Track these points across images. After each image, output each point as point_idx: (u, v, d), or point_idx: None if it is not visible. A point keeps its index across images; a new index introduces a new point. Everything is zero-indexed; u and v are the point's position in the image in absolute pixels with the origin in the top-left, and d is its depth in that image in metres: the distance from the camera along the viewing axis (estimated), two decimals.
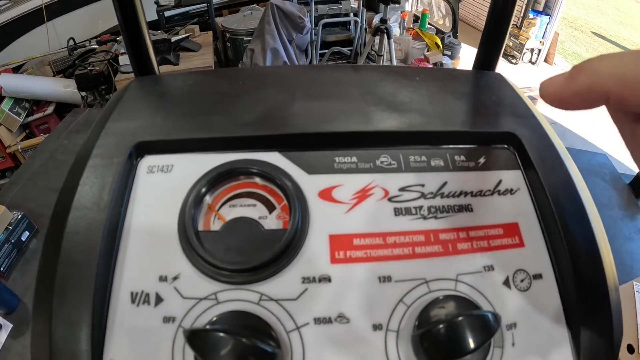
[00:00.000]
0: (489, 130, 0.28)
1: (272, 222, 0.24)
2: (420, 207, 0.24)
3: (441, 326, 0.19)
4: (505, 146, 0.27)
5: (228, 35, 2.71)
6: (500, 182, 0.26)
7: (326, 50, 2.78)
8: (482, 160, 0.27)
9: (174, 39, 2.19)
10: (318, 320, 0.21)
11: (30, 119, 2.22)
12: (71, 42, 2.40)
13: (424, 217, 0.24)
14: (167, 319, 0.21)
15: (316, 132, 0.26)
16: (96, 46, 2.40)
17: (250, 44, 2.46)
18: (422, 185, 0.25)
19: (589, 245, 0.23)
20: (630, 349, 0.56)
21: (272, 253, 0.22)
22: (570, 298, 0.22)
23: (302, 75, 0.34)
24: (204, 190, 0.24)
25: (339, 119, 0.28)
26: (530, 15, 3.48)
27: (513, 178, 0.26)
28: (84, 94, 2.16)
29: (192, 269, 0.22)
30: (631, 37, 4.70)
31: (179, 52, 2.23)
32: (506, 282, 0.23)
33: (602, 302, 0.22)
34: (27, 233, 0.93)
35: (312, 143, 0.26)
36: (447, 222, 0.24)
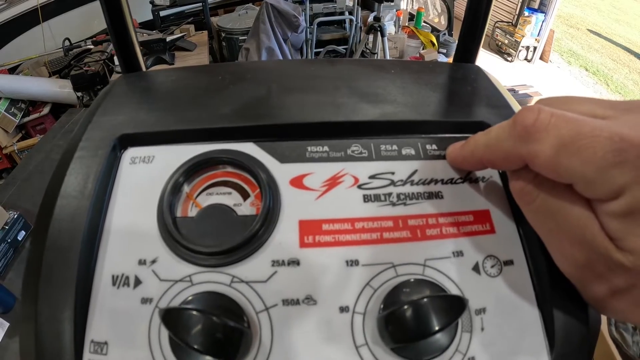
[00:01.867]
0: (461, 119, 0.28)
1: (246, 208, 0.25)
2: (390, 194, 0.25)
3: (405, 307, 0.19)
4: None
5: (223, 34, 2.72)
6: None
7: (321, 49, 2.79)
8: None
9: (169, 38, 2.20)
10: (286, 302, 0.22)
11: (26, 119, 2.22)
12: (67, 43, 2.40)
13: (393, 204, 0.25)
14: (145, 300, 0.22)
15: (289, 123, 0.27)
16: (92, 46, 2.40)
17: (246, 43, 2.46)
18: (392, 173, 0.26)
19: None
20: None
21: (244, 237, 0.22)
22: (542, 283, 0.23)
23: (279, 70, 0.35)
24: (181, 179, 0.25)
25: (312, 110, 0.28)
26: (526, 13, 3.49)
27: None
28: (79, 94, 2.16)
29: (169, 253, 0.23)
30: (627, 35, 4.71)
31: (174, 52, 2.24)
32: (475, 268, 0.23)
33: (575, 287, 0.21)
34: (23, 232, 0.94)
35: (285, 133, 0.27)
36: (416, 208, 0.24)
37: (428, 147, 0.27)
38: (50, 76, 2.36)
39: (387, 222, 0.24)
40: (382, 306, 0.22)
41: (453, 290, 0.22)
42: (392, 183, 0.25)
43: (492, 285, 0.23)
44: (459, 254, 0.23)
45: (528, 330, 0.22)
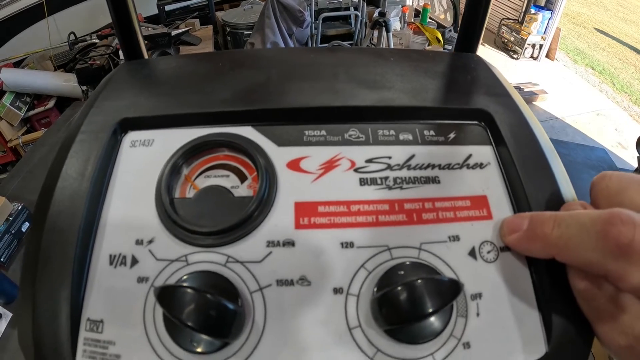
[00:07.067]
0: (460, 106, 0.28)
1: (243, 191, 0.25)
2: (386, 178, 0.25)
3: (399, 288, 0.19)
4: (477, 122, 0.28)
5: (228, 29, 2.71)
6: (469, 156, 0.26)
7: (326, 45, 2.78)
8: (452, 135, 0.27)
9: (174, 32, 2.19)
10: (280, 282, 0.22)
11: (31, 113, 2.23)
12: (72, 37, 2.40)
13: (389, 187, 0.24)
14: (141, 279, 0.22)
15: (287, 107, 0.27)
16: (97, 40, 2.40)
17: (251, 38, 2.46)
18: (389, 158, 0.26)
19: None
20: None
21: (239, 218, 0.23)
22: (540, 273, 0.22)
23: (278, 57, 0.35)
24: (179, 161, 0.25)
25: (310, 95, 0.28)
26: (532, 11, 3.46)
27: (483, 153, 0.26)
28: (84, 88, 2.16)
29: (166, 234, 0.23)
30: (634, 34, 4.67)
31: (179, 46, 2.24)
32: (472, 253, 0.23)
33: None
34: (27, 224, 0.94)
35: (283, 117, 0.27)
36: (412, 192, 0.24)
37: (426, 132, 0.27)
38: (55, 70, 2.36)
39: (383, 205, 0.24)
40: (375, 288, 0.21)
41: (448, 275, 0.22)
42: (389, 167, 0.25)
43: (488, 270, 0.22)
44: (455, 238, 0.23)
45: (525, 317, 0.22)
